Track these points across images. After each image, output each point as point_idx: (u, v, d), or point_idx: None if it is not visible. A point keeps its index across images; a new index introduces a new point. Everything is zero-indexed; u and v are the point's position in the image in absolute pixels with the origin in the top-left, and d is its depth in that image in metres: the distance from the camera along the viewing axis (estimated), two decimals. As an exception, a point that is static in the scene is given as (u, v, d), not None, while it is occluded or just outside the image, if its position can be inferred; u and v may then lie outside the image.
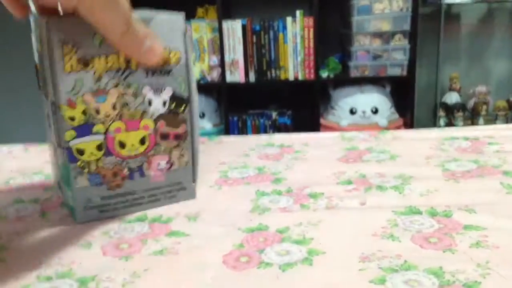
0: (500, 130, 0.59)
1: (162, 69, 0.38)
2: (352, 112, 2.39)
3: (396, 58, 2.36)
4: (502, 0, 2.52)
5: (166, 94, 0.38)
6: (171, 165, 0.40)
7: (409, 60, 2.35)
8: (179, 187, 0.41)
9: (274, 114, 2.55)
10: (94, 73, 0.35)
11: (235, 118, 2.50)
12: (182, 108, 0.39)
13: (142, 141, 0.38)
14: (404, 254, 0.32)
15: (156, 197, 0.40)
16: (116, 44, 0.34)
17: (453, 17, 2.60)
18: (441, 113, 2.57)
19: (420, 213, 0.38)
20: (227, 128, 2.43)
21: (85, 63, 0.35)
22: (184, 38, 0.38)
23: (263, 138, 0.62)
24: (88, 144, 0.37)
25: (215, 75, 2.34)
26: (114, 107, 0.37)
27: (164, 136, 0.39)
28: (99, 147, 0.37)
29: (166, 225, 0.38)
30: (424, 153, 0.52)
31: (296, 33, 2.36)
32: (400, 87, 2.43)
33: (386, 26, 2.34)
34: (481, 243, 0.33)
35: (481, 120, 2.51)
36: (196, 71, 2.28)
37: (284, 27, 2.36)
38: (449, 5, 2.50)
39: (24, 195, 0.46)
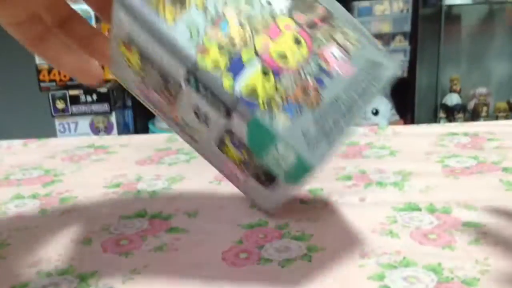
0: (500, 126, 0.59)
1: None
2: (352, 113, 2.40)
3: (397, 59, 2.37)
4: (502, 2, 2.52)
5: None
6: (346, 49, 0.32)
7: (410, 61, 2.35)
8: (377, 65, 0.32)
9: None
10: (197, 5, 0.29)
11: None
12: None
13: (297, 41, 0.31)
14: (403, 250, 0.32)
15: (364, 88, 0.32)
16: None
17: (454, 18, 2.60)
18: (442, 114, 2.57)
19: (419, 209, 0.38)
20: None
21: (181, 2, 0.29)
22: None
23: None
24: (252, 77, 0.30)
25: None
26: (241, 26, 0.30)
27: (311, 25, 0.32)
28: (264, 73, 0.30)
29: (166, 222, 0.38)
30: (424, 149, 0.52)
31: (296, 34, 2.37)
32: (400, 88, 2.43)
33: (386, 28, 2.34)
34: (480, 240, 0.33)
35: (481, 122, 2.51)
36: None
37: (285, 28, 2.37)
38: (450, 7, 2.51)
39: (24, 191, 0.46)
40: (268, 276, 0.30)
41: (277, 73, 0.30)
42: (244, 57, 0.30)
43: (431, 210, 0.38)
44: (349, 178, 0.45)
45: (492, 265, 0.30)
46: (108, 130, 2.24)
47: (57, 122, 2.21)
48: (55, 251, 0.34)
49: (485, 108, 2.53)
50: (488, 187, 0.42)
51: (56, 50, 0.33)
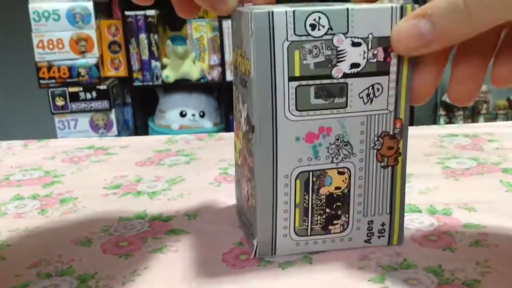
0: (500, 127, 0.59)
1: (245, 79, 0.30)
2: (352, 110, 2.39)
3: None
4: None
5: (244, 112, 0.31)
6: (248, 199, 0.33)
7: (409, 58, 2.34)
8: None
9: (274, 113, 2.54)
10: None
11: (235, 117, 2.50)
12: (251, 136, 0.30)
13: None
14: (403, 252, 0.32)
15: None
16: None
17: (454, 15, 2.59)
18: (441, 111, 2.57)
19: (419, 211, 0.38)
20: (228, 127, 2.43)
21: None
22: (252, 39, 0.28)
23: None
24: None
25: (215, 74, 2.33)
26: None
27: (241, 164, 0.33)
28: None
29: (166, 223, 0.38)
30: (424, 150, 0.52)
31: (296, 32, 2.36)
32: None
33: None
34: (481, 242, 0.33)
35: (481, 119, 2.51)
36: (196, 70, 2.28)
37: (284, 26, 2.36)
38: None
39: (24, 192, 0.46)
40: (268, 278, 0.30)
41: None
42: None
43: (432, 211, 0.38)
44: (349, 178, 0.45)
45: (492, 267, 0.30)
46: (107, 127, 2.24)
47: (56, 119, 2.21)
48: (55, 252, 0.34)
49: (484, 106, 2.52)
50: (489, 188, 0.42)
51: None
